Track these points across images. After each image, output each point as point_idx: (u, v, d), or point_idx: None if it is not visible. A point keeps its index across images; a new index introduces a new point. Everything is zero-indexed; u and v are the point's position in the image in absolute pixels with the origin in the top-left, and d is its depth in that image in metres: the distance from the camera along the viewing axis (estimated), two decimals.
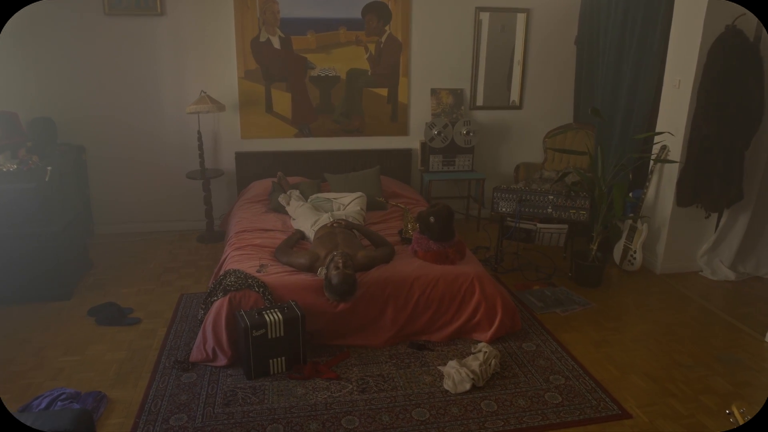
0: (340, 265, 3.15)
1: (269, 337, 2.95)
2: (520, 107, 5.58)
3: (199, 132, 4.79)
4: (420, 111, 5.38)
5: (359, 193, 4.41)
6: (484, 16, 5.27)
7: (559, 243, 4.56)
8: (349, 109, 5.27)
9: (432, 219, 3.49)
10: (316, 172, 5.16)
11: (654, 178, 4.44)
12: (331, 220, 3.86)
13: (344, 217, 3.95)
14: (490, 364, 3.06)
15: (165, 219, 5.23)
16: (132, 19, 4.71)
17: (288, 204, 4.39)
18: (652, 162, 4.38)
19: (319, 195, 4.53)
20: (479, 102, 5.49)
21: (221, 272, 3.47)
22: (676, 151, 4.24)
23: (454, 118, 5.36)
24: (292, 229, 4.08)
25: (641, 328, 3.65)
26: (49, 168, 3.59)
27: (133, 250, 4.77)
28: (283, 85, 5.11)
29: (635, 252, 4.41)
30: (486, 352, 3.13)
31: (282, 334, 2.97)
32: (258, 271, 3.32)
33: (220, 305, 3.12)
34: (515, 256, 4.70)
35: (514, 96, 5.58)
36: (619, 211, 3.83)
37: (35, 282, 3.74)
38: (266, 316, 2.95)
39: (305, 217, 4.02)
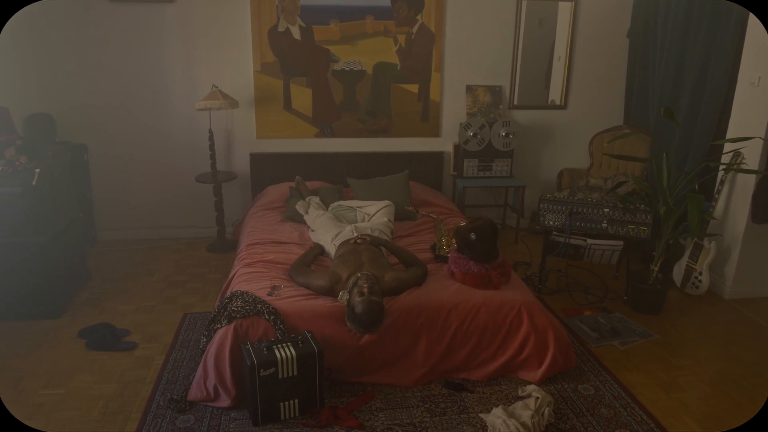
0: (366, 290, 2.67)
1: (280, 376, 2.47)
2: (564, 107, 5.03)
3: (210, 131, 4.35)
4: (454, 110, 4.87)
5: (387, 202, 3.91)
6: (523, 6, 4.73)
7: (611, 261, 4.02)
8: (375, 107, 4.78)
9: (473, 236, 2.98)
10: (338, 177, 4.69)
11: (724, 190, 3.86)
12: (355, 234, 3.38)
13: (369, 231, 3.46)
14: (543, 414, 2.55)
15: (173, 225, 4.80)
16: (138, 6, 4.28)
17: (306, 212, 3.92)
18: (721, 172, 3.81)
19: (342, 203, 4.06)
20: (517, 101, 4.95)
21: (227, 293, 3.02)
22: (752, 159, 3.67)
23: (491, 118, 4.84)
24: (310, 241, 3.62)
25: (717, 367, 3.10)
26: (37, 170, 3.17)
27: (137, 260, 4.35)
28: (303, 79, 4.64)
29: (701, 274, 3.85)
30: (538, 398, 2.62)
31: (295, 373, 2.50)
32: (269, 294, 2.85)
33: (223, 335, 2.66)
34: (560, 274, 4.17)
35: (554, 95, 5.03)
36: (696, 228, 3.27)
37: (21, 298, 3.33)
38: (276, 352, 2.47)
39: (325, 229, 3.55)
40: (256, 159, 4.68)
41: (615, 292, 3.97)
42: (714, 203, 3.88)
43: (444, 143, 4.94)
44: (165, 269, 4.19)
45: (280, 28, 4.49)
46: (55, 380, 2.84)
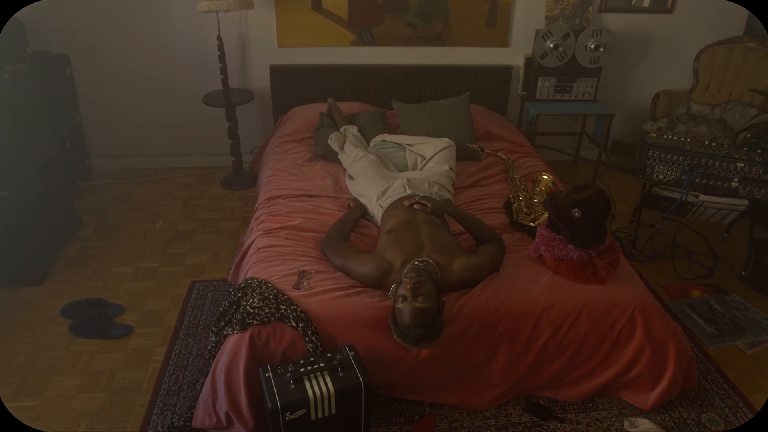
0: (409, 292, 1.90)
1: (313, 417, 1.81)
2: (669, 11, 3.91)
3: (219, 38, 3.43)
4: (529, 12, 3.80)
5: (446, 142, 3.02)
6: None
7: (724, 221, 3.19)
8: (428, 8, 3.74)
9: (577, 213, 2.15)
10: (380, 97, 3.79)
11: None
12: (408, 190, 2.57)
13: (426, 186, 2.64)
14: None
15: (181, 152, 4.02)
16: None
17: (342, 150, 3.10)
18: None
19: (387, 138, 3.20)
20: (609, 2, 3.85)
21: (243, 275, 2.31)
22: None
23: (577, 24, 3.78)
24: (348, 193, 2.83)
25: None
26: None
27: (137, 198, 3.63)
28: None
29: None
30: None
31: (333, 411, 1.83)
32: (296, 287, 2.13)
33: (236, 347, 1.97)
34: (653, 231, 3.36)
35: None
36: None
37: None
38: (308, 386, 1.79)
39: (369, 181, 2.73)
40: (278, 73, 3.77)
41: (726, 260, 3.16)
42: None
43: (513, 55, 3.92)
44: (170, 212, 3.48)
45: None
46: (29, 384, 2.23)
